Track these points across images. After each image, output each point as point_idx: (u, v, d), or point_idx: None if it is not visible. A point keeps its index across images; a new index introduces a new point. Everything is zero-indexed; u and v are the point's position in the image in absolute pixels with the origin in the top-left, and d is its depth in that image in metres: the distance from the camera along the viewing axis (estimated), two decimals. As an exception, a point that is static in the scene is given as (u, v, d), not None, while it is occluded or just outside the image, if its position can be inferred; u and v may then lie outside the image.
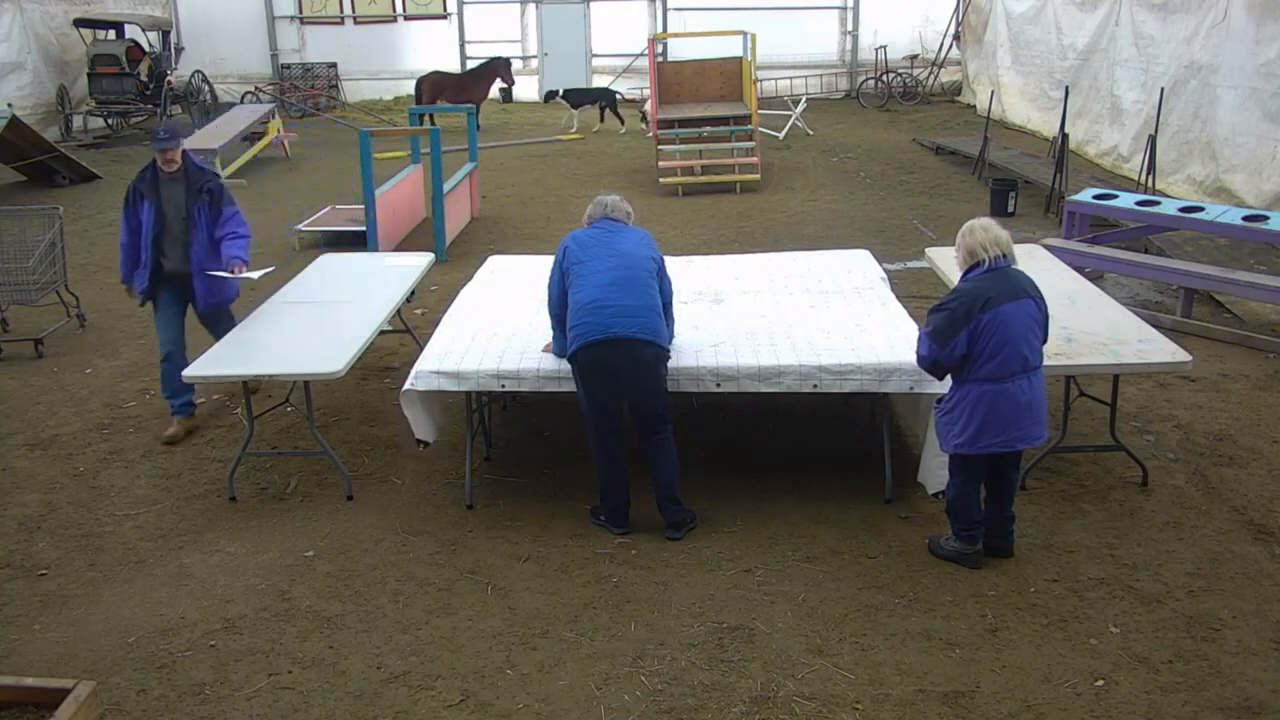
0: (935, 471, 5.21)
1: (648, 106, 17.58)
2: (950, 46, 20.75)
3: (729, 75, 14.95)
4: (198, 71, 19.66)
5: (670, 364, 5.14)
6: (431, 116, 16.49)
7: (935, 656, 4.21)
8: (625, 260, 5.02)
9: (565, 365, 5.17)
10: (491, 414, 6.29)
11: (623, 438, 5.11)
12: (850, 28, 22.07)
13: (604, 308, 4.89)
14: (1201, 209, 8.58)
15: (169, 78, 18.44)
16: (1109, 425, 5.63)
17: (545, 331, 5.42)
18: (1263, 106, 10.60)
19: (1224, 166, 11.16)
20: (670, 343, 5.18)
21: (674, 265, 6.13)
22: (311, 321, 6.05)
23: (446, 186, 10.40)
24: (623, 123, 18.02)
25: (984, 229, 4.64)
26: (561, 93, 18.43)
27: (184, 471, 5.98)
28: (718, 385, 5.24)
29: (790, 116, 17.65)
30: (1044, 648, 4.25)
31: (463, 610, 4.60)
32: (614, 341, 4.86)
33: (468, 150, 12.41)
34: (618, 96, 18.45)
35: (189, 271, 6.30)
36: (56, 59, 17.95)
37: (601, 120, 18.15)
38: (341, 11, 21.84)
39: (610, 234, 5.14)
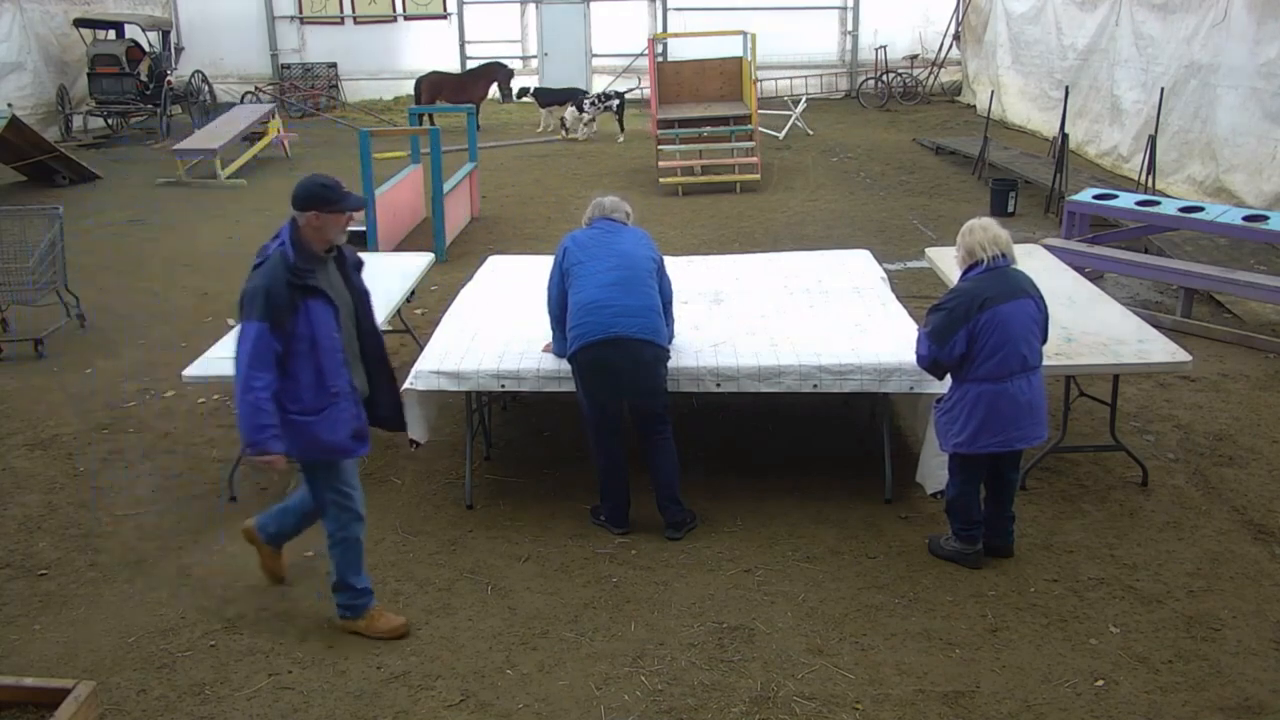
0: (935, 471, 5.21)
1: (567, 113, 17.41)
2: (950, 46, 20.75)
3: (729, 75, 14.95)
4: (198, 71, 19.65)
5: (670, 364, 5.13)
6: (431, 116, 16.48)
7: (935, 656, 4.21)
8: (625, 260, 5.02)
9: (565, 365, 5.17)
10: (491, 414, 6.29)
11: (623, 438, 5.11)
12: (850, 28, 22.06)
13: (604, 308, 4.89)
14: (1201, 209, 8.58)
15: (169, 78, 18.43)
16: (1109, 425, 5.63)
17: (545, 331, 5.42)
18: (1263, 106, 10.60)
19: (1224, 166, 11.16)
20: (670, 343, 5.18)
21: (674, 265, 6.13)
22: (311, 321, 6.03)
23: (446, 186, 10.40)
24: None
25: (983, 229, 4.65)
26: (531, 91, 18.35)
27: (184, 471, 5.98)
28: (718, 385, 5.24)
29: (790, 116, 17.64)
30: (1044, 648, 4.25)
31: (463, 610, 4.60)
32: (614, 341, 4.86)
33: (468, 150, 12.41)
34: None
35: (368, 390, 4.41)
36: (56, 59, 17.95)
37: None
38: (341, 11, 21.83)
39: (609, 234, 5.14)
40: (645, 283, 5.03)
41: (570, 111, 17.55)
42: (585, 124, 17.40)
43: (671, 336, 5.25)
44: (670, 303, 5.25)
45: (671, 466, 5.11)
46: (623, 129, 17.22)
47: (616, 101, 17.35)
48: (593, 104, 17.40)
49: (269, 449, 4.03)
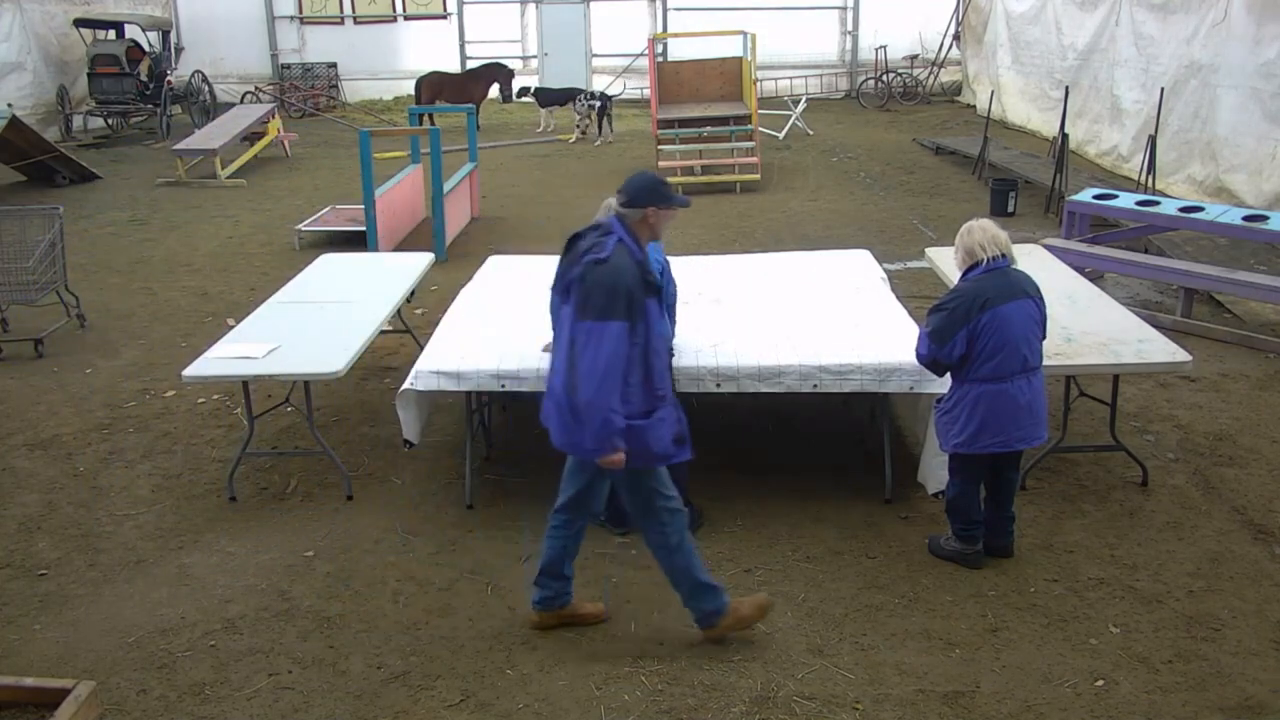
0: (935, 471, 5.21)
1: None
2: (950, 46, 20.75)
3: (729, 75, 14.95)
4: (198, 71, 19.65)
5: (671, 364, 5.13)
6: (431, 116, 16.48)
7: (935, 656, 4.21)
8: None
9: (565, 365, 5.17)
10: (491, 414, 6.29)
11: None
12: (850, 28, 22.07)
13: None
14: (1201, 209, 8.58)
15: (169, 78, 18.43)
16: (1109, 425, 5.63)
17: (545, 331, 5.41)
18: (1263, 106, 10.60)
19: (1224, 166, 11.16)
20: (671, 343, 5.18)
21: (674, 265, 6.12)
22: (311, 321, 6.05)
23: (446, 186, 10.40)
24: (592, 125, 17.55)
25: (982, 229, 4.65)
26: (532, 91, 18.33)
27: (184, 471, 5.97)
28: (718, 385, 5.24)
29: (790, 116, 17.64)
30: (1044, 648, 4.25)
31: (463, 610, 4.60)
32: None
33: (468, 150, 12.41)
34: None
35: None
36: (56, 59, 17.95)
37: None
38: (341, 11, 21.84)
39: None
40: None
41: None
42: (577, 124, 17.34)
43: (672, 337, 5.25)
44: (674, 305, 5.24)
45: (677, 470, 5.09)
46: (611, 129, 17.14)
47: (598, 103, 17.16)
48: (580, 101, 17.30)
49: (619, 447, 3.90)
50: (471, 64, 20.80)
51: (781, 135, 16.94)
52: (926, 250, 7.52)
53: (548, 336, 5.36)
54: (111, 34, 18.64)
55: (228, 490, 5.64)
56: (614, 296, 3.84)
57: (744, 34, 14.45)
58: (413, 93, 18.68)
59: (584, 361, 3.86)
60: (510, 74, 19.10)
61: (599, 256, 3.94)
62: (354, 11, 21.86)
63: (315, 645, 4.38)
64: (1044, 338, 4.71)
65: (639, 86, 20.54)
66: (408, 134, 12.32)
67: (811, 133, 17.44)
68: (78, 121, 18.09)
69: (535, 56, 22.06)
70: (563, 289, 4.09)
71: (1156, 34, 12.77)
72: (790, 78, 21.38)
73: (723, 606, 4.23)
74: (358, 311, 6.18)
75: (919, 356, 4.75)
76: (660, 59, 17.77)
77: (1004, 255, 4.61)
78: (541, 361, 5.31)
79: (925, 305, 6.26)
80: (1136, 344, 5.45)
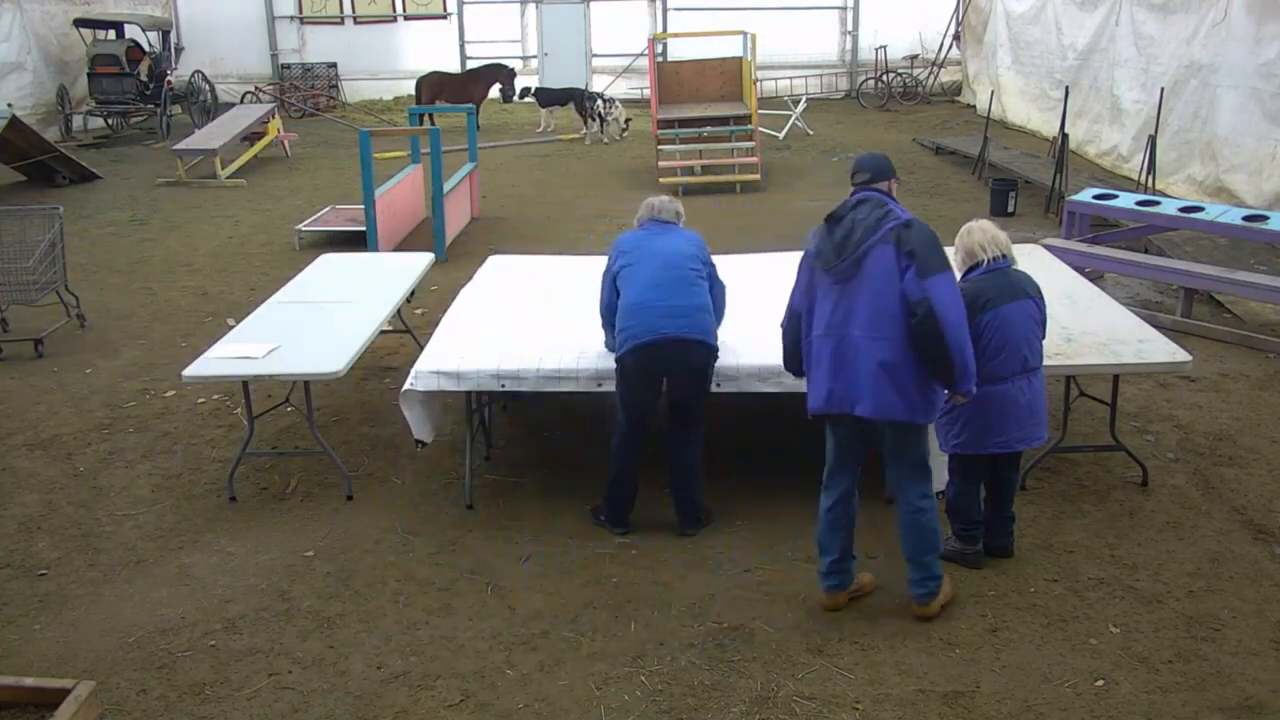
0: (937, 471, 5.19)
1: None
2: (950, 46, 20.75)
3: (729, 75, 14.95)
4: (198, 71, 19.65)
5: None
6: (431, 116, 16.48)
7: (935, 656, 4.21)
8: (669, 260, 4.99)
9: (565, 365, 5.17)
10: (491, 414, 6.29)
11: (642, 446, 5.08)
12: (850, 28, 22.07)
13: (650, 308, 4.86)
14: (1201, 209, 8.58)
15: (169, 78, 18.44)
16: (1109, 425, 5.63)
17: (545, 332, 5.41)
18: (1263, 106, 10.60)
19: (1224, 166, 11.16)
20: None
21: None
22: (311, 321, 6.05)
23: (446, 186, 10.40)
24: (586, 124, 17.43)
25: (981, 230, 4.65)
26: (533, 91, 18.32)
27: (184, 471, 5.98)
28: (718, 385, 5.23)
29: (790, 116, 17.64)
30: (1044, 648, 4.25)
31: (463, 610, 4.60)
32: (662, 344, 4.82)
33: (468, 150, 12.41)
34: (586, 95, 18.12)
35: None
36: (56, 59, 17.95)
37: (585, 121, 17.57)
38: (341, 11, 21.84)
39: (654, 235, 5.12)
40: (692, 282, 4.97)
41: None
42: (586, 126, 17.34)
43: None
44: (721, 307, 5.19)
45: (693, 470, 5.09)
46: (600, 128, 17.07)
47: (588, 103, 17.10)
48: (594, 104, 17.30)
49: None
50: (471, 64, 20.81)
51: (781, 135, 16.94)
52: (926, 250, 7.51)
53: (548, 336, 5.36)
54: (111, 34, 18.63)
55: (228, 490, 5.64)
56: (939, 248, 4.09)
57: (744, 34, 14.46)
58: (413, 93, 18.68)
59: (953, 311, 4.06)
60: (511, 74, 19.09)
61: (903, 219, 4.12)
62: (354, 11, 21.86)
63: (315, 645, 4.38)
64: (1044, 338, 4.72)
65: (639, 86, 20.54)
66: (408, 134, 12.33)
67: (811, 133, 17.44)
68: (78, 121, 18.09)
69: (535, 56, 22.06)
70: (844, 266, 4.15)
71: (1156, 34, 12.77)
72: (790, 78, 21.38)
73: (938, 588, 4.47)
74: (358, 311, 6.18)
75: (919, 356, 4.75)
76: (660, 59, 17.77)
77: (1004, 256, 4.61)
78: (542, 361, 5.30)
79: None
80: (1136, 344, 5.45)
